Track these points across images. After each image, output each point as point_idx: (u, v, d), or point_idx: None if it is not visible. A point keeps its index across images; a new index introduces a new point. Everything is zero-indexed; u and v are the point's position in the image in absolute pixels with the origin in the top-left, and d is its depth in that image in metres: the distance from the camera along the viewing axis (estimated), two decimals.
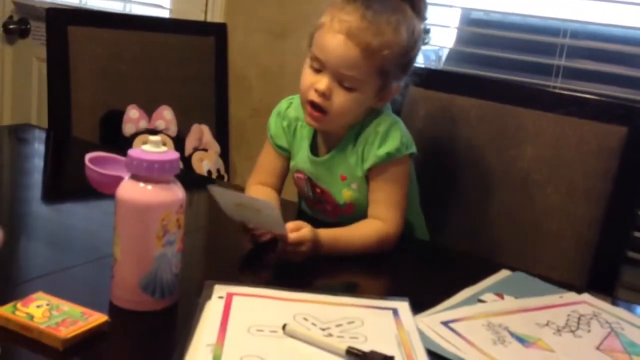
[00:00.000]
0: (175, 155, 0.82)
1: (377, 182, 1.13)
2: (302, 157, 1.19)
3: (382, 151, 1.11)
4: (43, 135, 1.78)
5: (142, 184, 0.80)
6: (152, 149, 0.81)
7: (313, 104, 1.09)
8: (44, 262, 0.96)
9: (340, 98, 1.08)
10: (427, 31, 1.15)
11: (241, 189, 1.25)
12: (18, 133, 1.77)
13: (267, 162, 1.23)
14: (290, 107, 1.21)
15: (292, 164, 1.22)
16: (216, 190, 1.02)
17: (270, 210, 0.98)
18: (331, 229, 1.07)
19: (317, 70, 1.08)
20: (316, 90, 1.08)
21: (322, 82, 1.07)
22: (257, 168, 1.25)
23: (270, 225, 1.01)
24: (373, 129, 1.12)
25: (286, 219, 0.99)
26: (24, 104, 2.69)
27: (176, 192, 0.82)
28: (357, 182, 1.15)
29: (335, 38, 1.05)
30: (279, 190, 1.24)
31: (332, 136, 1.16)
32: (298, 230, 1.00)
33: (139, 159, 0.80)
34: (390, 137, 1.11)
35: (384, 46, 1.05)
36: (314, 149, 1.18)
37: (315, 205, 1.23)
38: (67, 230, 1.12)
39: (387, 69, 1.08)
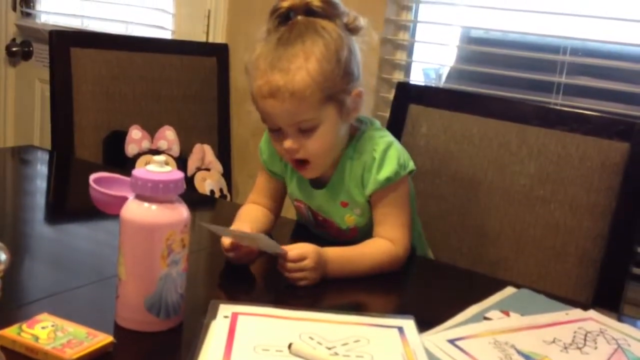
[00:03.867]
0: (179, 175, 0.82)
1: (381, 205, 1.12)
2: (298, 188, 1.19)
3: (382, 176, 1.10)
4: (46, 156, 1.79)
5: (146, 204, 0.80)
6: (157, 168, 0.81)
7: (295, 162, 1.10)
8: (48, 283, 0.96)
9: (311, 143, 1.07)
10: (351, 21, 1.10)
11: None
12: (21, 154, 1.77)
13: (263, 185, 1.23)
14: None
15: (289, 190, 1.21)
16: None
17: (265, 239, 0.99)
18: (338, 248, 1.06)
19: (277, 131, 1.09)
20: (287, 151, 1.08)
21: (287, 142, 1.07)
22: (254, 188, 1.25)
23: (268, 248, 1.02)
24: (369, 154, 1.11)
25: (286, 236, 0.99)
26: (26, 125, 2.70)
27: (181, 212, 0.82)
28: (359, 207, 1.15)
29: (265, 103, 1.05)
30: (277, 211, 1.24)
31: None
32: (298, 247, 0.99)
33: (143, 179, 0.80)
34: (387, 161, 1.10)
35: (307, 82, 1.03)
36: (311, 179, 1.17)
37: (318, 229, 1.22)
38: (71, 251, 1.11)
39: (329, 92, 1.05)
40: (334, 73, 1.05)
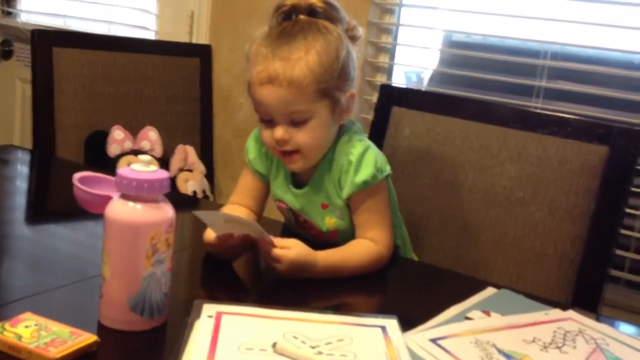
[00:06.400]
0: (164, 174, 0.82)
1: (360, 209, 1.13)
2: (280, 187, 1.20)
3: (359, 179, 1.11)
4: (26, 156, 1.77)
5: (131, 204, 0.80)
6: (142, 168, 0.82)
7: (283, 153, 1.11)
8: (31, 282, 0.96)
9: (301, 135, 1.08)
10: (351, 29, 1.13)
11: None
12: (1, 154, 1.75)
13: (246, 185, 1.24)
14: None
15: (272, 189, 1.22)
16: (202, 214, 1.03)
17: (255, 226, 1.00)
18: (329, 253, 1.06)
19: (269, 121, 1.10)
20: (276, 140, 1.09)
21: (278, 131, 1.08)
22: (236, 189, 1.25)
23: (256, 234, 1.02)
24: (346, 157, 1.12)
25: (276, 237, 0.99)
26: (7, 125, 2.68)
27: (166, 211, 0.82)
28: (338, 209, 1.16)
29: (262, 90, 1.06)
30: (259, 211, 1.24)
31: None
32: (284, 248, 1.00)
33: (128, 178, 0.80)
34: (364, 165, 1.11)
35: (306, 73, 1.05)
36: (293, 179, 1.18)
37: (299, 230, 1.23)
38: (52, 251, 1.11)
39: (324, 87, 1.07)
40: (332, 68, 1.07)
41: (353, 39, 1.13)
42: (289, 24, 1.09)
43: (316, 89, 1.06)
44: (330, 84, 1.08)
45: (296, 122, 1.08)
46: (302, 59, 1.05)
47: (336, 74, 1.08)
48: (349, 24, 1.13)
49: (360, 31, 1.14)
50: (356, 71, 1.13)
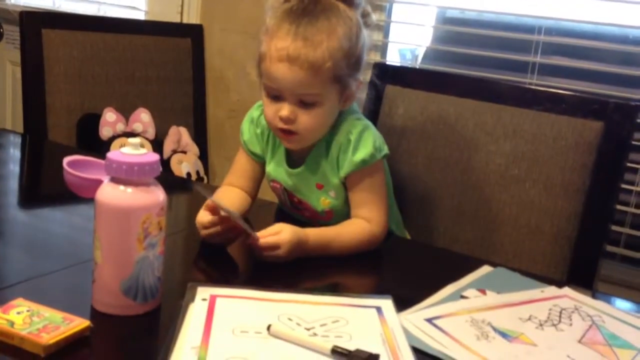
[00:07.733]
0: (155, 157, 0.81)
1: (356, 188, 1.13)
2: (276, 167, 1.19)
3: (357, 158, 1.11)
4: (18, 140, 1.76)
5: (122, 187, 0.79)
6: (132, 151, 0.81)
7: (283, 130, 1.10)
8: (23, 268, 0.95)
9: (306, 117, 1.08)
10: (365, 15, 1.13)
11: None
12: None
13: (241, 166, 1.23)
14: (262, 115, 1.20)
15: (267, 170, 1.21)
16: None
17: (239, 219, 0.99)
18: (319, 229, 1.07)
19: (276, 97, 1.09)
20: (281, 118, 1.08)
21: (284, 108, 1.07)
22: (231, 170, 1.24)
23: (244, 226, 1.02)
24: (345, 136, 1.12)
25: (266, 219, 0.99)
26: None
27: (157, 195, 0.81)
28: (334, 189, 1.15)
29: (279, 67, 1.05)
30: (254, 193, 1.24)
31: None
32: (276, 234, 1.00)
33: (118, 161, 0.79)
34: (363, 144, 1.11)
35: (326, 58, 1.04)
36: (288, 159, 1.18)
37: (293, 212, 1.23)
38: (45, 235, 1.10)
39: (339, 73, 1.07)
40: (350, 55, 1.08)
41: (365, 25, 1.13)
42: (311, 2, 1.08)
43: (331, 75, 1.06)
44: (345, 71, 1.08)
45: (304, 103, 1.07)
46: (324, 43, 1.04)
47: (353, 61, 1.08)
48: (364, 10, 1.13)
49: (373, 18, 1.15)
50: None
